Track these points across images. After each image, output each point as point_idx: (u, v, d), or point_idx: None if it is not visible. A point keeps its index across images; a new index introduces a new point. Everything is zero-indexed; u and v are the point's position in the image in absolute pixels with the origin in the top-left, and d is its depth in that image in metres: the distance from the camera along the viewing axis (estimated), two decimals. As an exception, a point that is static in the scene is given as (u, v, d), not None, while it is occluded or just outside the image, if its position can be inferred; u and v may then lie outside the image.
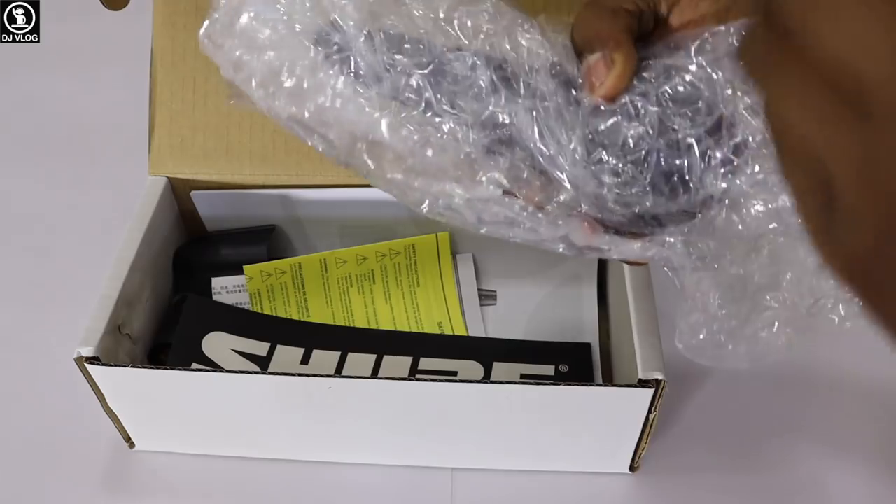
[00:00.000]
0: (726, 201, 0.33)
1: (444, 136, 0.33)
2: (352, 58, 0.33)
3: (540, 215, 0.34)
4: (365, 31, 0.33)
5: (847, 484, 0.54)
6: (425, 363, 0.59)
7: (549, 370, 0.58)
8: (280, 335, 0.60)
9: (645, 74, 0.34)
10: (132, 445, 0.56)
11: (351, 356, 0.60)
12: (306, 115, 0.33)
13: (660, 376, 0.46)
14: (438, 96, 0.33)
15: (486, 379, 0.58)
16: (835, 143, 0.20)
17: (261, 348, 0.59)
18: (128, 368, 0.49)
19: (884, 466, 0.55)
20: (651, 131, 0.33)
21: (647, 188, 0.33)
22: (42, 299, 0.66)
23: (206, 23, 0.35)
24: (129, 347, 0.54)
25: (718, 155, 0.33)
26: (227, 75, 0.35)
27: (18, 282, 0.68)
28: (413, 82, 0.33)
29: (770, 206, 0.33)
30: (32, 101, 0.84)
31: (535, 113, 0.33)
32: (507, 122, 0.34)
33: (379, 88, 0.33)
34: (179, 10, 0.60)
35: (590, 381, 0.57)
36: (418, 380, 0.49)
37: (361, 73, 0.33)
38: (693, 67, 0.33)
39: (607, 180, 0.33)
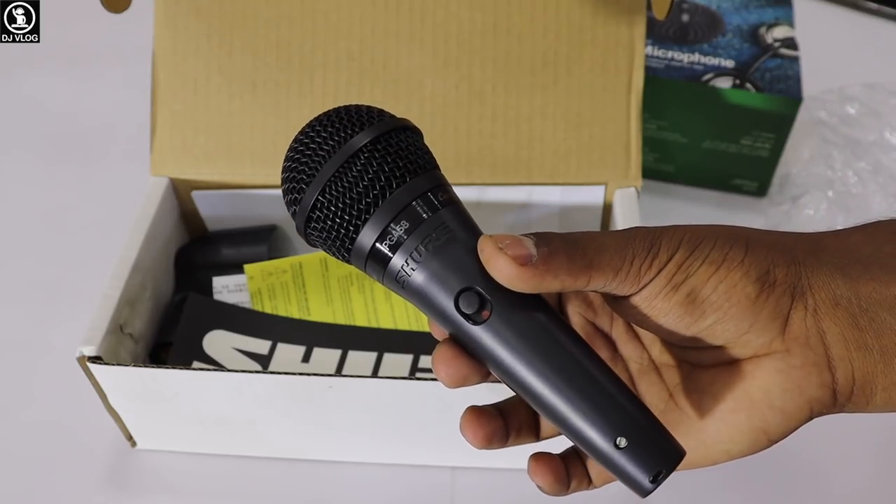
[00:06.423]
0: None
1: None
2: None
3: None
4: None
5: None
6: (426, 361, 0.59)
7: None
8: (281, 334, 0.60)
9: None
10: (134, 444, 0.56)
11: (351, 354, 0.60)
12: None
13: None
14: None
15: (486, 377, 0.58)
16: None
17: (262, 347, 0.59)
18: (130, 367, 0.49)
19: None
20: None
21: None
22: (44, 299, 0.67)
23: None
24: (130, 347, 0.54)
25: None
26: None
27: (20, 282, 0.68)
28: None
29: None
30: (33, 102, 0.84)
31: None
32: None
33: None
34: (181, 11, 0.60)
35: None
36: (419, 379, 0.49)
37: None
38: None
39: None
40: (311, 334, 0.61)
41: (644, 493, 0.31)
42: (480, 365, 0.33)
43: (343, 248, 0.33)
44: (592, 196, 0.62)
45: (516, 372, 0.32)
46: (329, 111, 0.33)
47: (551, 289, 0.31)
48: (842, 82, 0.80)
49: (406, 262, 0.32)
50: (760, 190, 0.75)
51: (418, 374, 0.58)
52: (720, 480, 0.55)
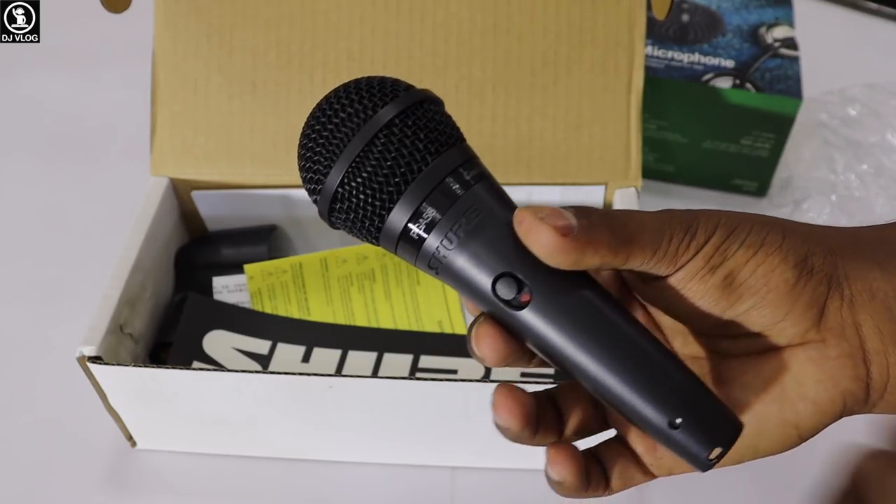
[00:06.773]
0: None
1: None
2: None
3: None
4: None
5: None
6: (426, 361, 0.59)
7: (549, 369, 0.58)
8: (281, 334, 0.60)
9: None
10: (134, 444, 0.56)
11: (351, 354, 0.60)
12: None
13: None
14: None
15: (487, 377, 0.58)
16: None
17: (262, 347, 0.59)
18: (130, 367, 0.49)
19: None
20: None
21: None
22: (44, 299, 0.66)
23: None
24: (130, 347, 0.54)
25: None
26: None
27: (20, 282, 0.68)
28: None
29: None
30: (33, 102, 0.84)
31: None
32: None
33: None
34: (180, 11, 0.60)
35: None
36: (418, 379, 0.49)
37: None
38: None
39: None
40: (311, 334, 0.61)
41: (703, 469, 0.30)
42: (523, 346, 0.31)
43: (371, 232, 0.31)
44: (592, 196, 0.62)
45: (562, 352, 0.30)
46: (344, 85, 0.31)
47: (590, 265, 0.29)
48: (842, 83, 0.80)
49: (441, 244, 0.30)
50: (760, 190, 0.75)
51: (418, 374, 0.58)
52: (718, 481, 0.55)
